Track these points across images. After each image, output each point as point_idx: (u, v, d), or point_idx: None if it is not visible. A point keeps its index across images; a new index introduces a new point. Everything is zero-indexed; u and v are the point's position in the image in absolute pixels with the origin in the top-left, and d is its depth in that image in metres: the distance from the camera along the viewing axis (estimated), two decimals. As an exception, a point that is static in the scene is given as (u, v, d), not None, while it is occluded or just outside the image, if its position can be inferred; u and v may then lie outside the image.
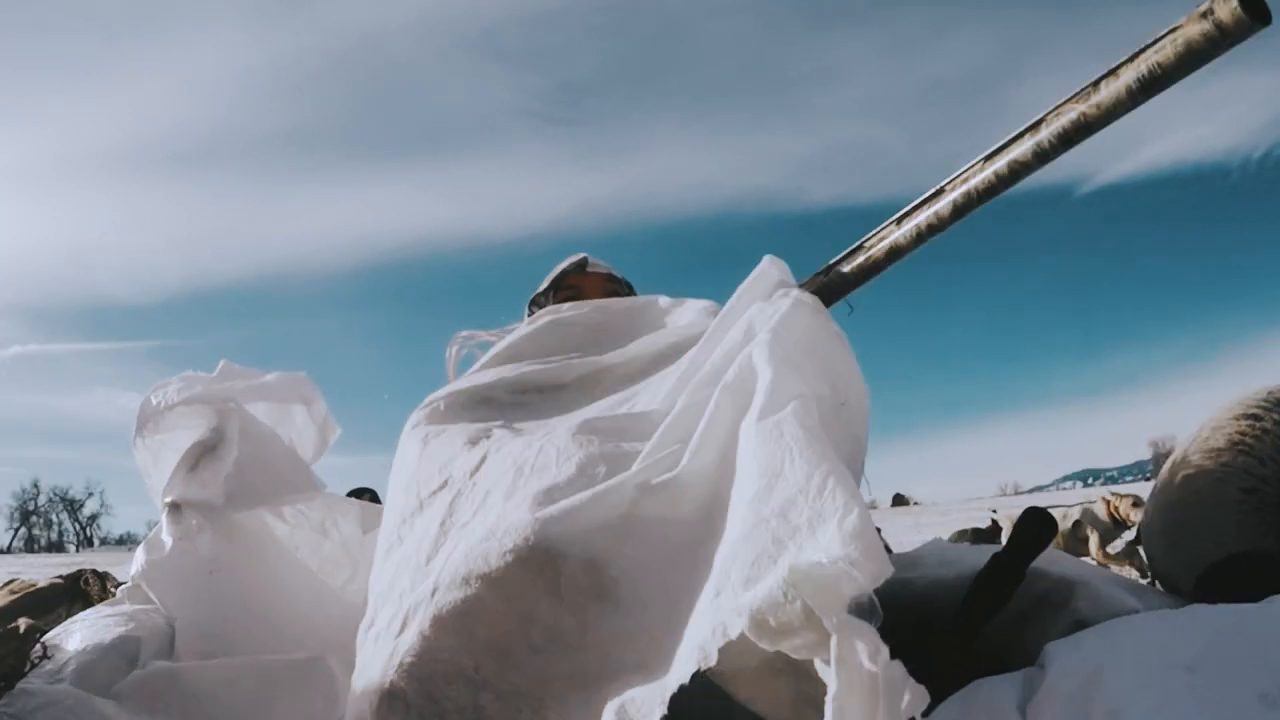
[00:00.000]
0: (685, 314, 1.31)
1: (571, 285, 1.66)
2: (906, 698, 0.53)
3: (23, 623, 1.24)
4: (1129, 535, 4.49)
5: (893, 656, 0.54)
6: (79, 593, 1.55)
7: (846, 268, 1.03)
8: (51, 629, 1.25)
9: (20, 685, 1.02)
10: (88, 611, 1.34)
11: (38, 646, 1.06)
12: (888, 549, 1.00)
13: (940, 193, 0.95)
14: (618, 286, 1.69)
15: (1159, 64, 0.77)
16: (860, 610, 0.56)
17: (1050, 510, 1.05)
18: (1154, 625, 0.73)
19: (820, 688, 0.58)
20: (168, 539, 1.39)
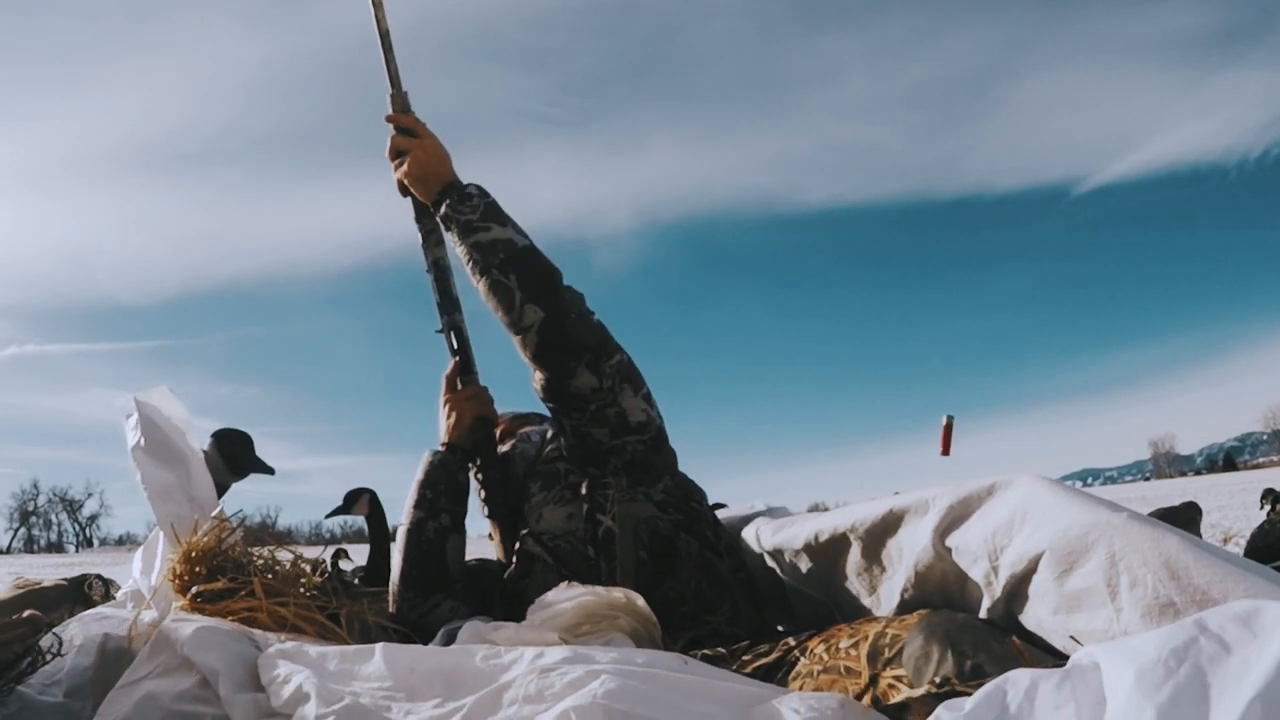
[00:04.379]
0: None
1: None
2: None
3: (29, 613, 1.24)
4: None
5: None
6: (82, 596, 1.55)
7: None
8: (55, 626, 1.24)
9: (17, 690, 1.02)
10: (87, 612, 1.33)
11: (50, 639, 1.05)
12: None
13: None
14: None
15: None
16: None
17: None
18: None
19: None
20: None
